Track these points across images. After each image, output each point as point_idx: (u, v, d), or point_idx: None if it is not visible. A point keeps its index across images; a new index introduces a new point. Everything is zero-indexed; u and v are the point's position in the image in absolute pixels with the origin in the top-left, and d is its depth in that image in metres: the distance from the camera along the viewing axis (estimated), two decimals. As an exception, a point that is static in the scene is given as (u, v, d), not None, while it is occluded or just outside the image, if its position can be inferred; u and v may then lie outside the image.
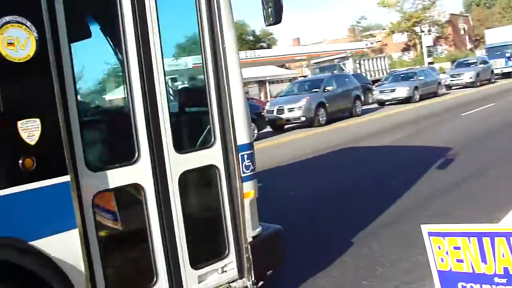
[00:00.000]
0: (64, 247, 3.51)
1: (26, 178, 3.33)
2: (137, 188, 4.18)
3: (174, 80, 5.75)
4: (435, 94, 32.26)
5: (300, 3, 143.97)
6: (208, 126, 4.72)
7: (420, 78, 31.84)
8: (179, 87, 5.73)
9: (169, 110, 4.34)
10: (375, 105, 30.84)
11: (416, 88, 30.44)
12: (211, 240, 4.87)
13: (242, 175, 4.74)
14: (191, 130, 5.24)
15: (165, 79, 4.34)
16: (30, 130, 3.35)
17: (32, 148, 3.36)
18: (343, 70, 38.39)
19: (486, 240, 2.78)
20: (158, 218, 4.21)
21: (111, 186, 3.97)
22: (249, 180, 4.85)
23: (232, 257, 4.76)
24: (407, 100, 29.37)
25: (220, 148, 4.70)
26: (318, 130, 21.46)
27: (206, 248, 4.77)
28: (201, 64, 4.67)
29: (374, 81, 39.33)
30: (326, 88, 24.53)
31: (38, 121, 3.38)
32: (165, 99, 4.31)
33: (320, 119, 23.19)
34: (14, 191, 3.28)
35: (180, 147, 4.47)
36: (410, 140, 14.77)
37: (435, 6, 73.15)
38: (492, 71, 37.64)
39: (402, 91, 30.00)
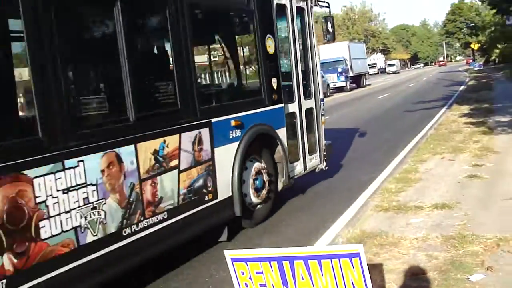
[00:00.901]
0: (281, 134, 8.32)
1: (272, 103, 8.09)
2: (293, 114, 8.97)
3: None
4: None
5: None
6: (310, 88, 9.60)
7: None
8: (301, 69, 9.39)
9: (301, 81, 9.24)
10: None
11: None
12: (313, 142, 9.59)
13: (322, 113, 9.89)
14: (306, 89, 9.50)
15: (303, 65, 9.52)
16: (275, 83, 8.18)
17: (274, 91, 8.16)
18: None
19: (286, 264, 2.90)
20: (299, 127, 9.11)
21: (290, 111, 8.83)
22: (324, 116, 10.08)
23: (318, 153, 9.73)
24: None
25: (314, 99, 9.66)
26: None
27: (312, 146, 9.53)
28: (307, 57, 9.63)
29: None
30: None
31: (275, 80, 8.24)
32: (300, 76, 9.24)
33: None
34: (270, 108, 8.04)
35: (304, 97, 9.31)
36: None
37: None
38: (328, 85, 38.95)
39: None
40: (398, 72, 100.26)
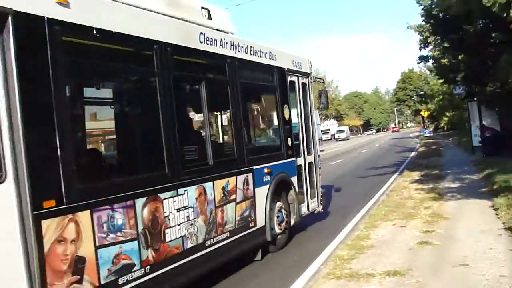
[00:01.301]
0: (294, 181, 10.81)
1: (288, 157, 10.62)
2: (300, 166, 11.26)
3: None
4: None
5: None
6: (310, 146, 11.90)
7: None
8: (305, 130, 11.86)
9: (305, 140, 11.66)
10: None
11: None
12: (313, 189, 11.88)
13: (319, 166, 12.37)
14: (308, 147, 11.85)
15: (306, 128, 11.84)
16: (289, 142, 10.73)
17: (289, 148, 10.69)
18: None
19: None
20: (304, 176, 11.45)
21: (298, 163, 11.17)
22: (320, 169, 12.49)
23: (316, 198, 12.00)
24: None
25: (313, 155, 11.98)
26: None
27: (312, 192, 11.85)
28: (308, 121, 11.97)
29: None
30: None
31: (290, 139, 10.79)
32: (305, 136, 11.72)
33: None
34: (286, 161, 10.55)
35: (307, 153, 11.69)
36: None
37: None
38: None
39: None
40: (348, 139, 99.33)
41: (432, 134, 75.84)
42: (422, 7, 25.23)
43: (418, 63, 41.63)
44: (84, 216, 5.41)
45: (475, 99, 26.82)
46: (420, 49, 34.32)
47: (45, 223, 4.93)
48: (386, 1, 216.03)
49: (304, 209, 11.44)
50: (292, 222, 10.74)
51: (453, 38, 22.84)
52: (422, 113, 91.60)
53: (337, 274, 7.78)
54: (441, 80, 38.17)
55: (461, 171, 20.92)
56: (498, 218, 10.80)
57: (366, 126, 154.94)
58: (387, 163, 29.36)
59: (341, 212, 13.80)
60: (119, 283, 5.83)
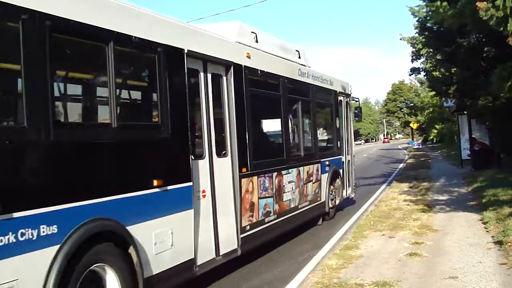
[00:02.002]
0: (341, 172, 15.24)
1: (338, 155, 15.11)
2: (343, 162, 15.52)
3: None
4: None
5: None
6: (349, 148, 16.13)
7: None
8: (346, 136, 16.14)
9: (347, 144, 16.05)
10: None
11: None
12: (350, 179, 16.18)
13: (353, 163, 16.90)
14: (348, 148, 16.07)
15: (350, 134, 16.72)
16: (339, 144, 15.37)
17: (339, 148, 15.26)
18: None
19: None
20: (345, 170, 15.46)
21: (342, 160, 15.46)
22: (354, 165, 17.16)
23: (351, 187, 16.27)
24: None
25: (350, 155, 16.25)
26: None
27: (349, 182, 16.09)
28: (348, 129, 16.41)
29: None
30: None
31: (339, 142, 15.43)
32: (348, 140, 16.22)
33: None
34: (337, 157, 15.09)
35: (347, 153, 15.91)
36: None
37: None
38: None
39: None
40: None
41: (421, 146, 76.22)
42: (416, 19, 25.29)
43: (410, 74, 41.86)
44: (255, 179, 9.45)
45: (465, 112, 26.88)
46: (412, 61, 34.51)
47: (242, 180, 8.91)
48: (379, 13, 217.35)
49: (344, 194, 15.45)
50: (337, 202, 14.68)
51: (446, 51, 22.87)
52: (411, 124, 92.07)
53: (325, 283, 7.71)
54: (433, 93, 38.28)
55: (450, 184, 21.01)
56: (487, 231, 10.80)
57: (355, 136, 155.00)
58: (376, 174, 29.42)
59: (329, 221, 13.77)
60: (265, 221, 9.80)
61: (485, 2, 9.80)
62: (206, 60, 8.18)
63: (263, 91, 10.57)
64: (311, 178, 12.50)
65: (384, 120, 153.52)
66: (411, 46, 33.04)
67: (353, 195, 16.53)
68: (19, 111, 4.88)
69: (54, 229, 4.94)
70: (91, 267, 5.44)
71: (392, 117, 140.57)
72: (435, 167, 32.76)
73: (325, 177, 13.48)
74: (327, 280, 7.87)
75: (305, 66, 13.02)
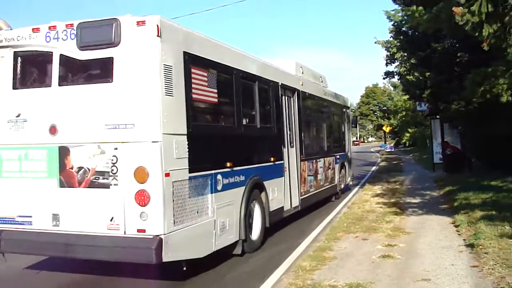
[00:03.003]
0: (346, 163, 20.74)
1: (343, 151, 20.62)
2: (347, 156, 21.44)
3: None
4: None
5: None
6: (349, 147, 21.95)
7: None
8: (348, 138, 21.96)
9: (347, 143, 21.68)
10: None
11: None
12: (350, 171, 22.01)
13: (351, 157, 22.63)
14: (348, 147, 21.80)
15: (349, 137, 22.87)
16: (346, 143, 21.49)
17: (344, 146, 21.04)
18: None
19: None
20: (347, 162, 20.86)
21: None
22: (351, 159, 23.20)
23: (350, 176, 22.15)
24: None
25: (350, 152, 21.97)
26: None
27: (350, 172, 21.88)
28: (349, 133, 22.29)
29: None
30: None
31: (346, 142, 21.64)
32: (349, 142, 22.49)
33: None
34: (343, 153, 20.35)
35: (348, 150, 21.55)
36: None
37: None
38: None
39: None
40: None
41: (393, 150, 76.81)
42: (392, 23, 25.47)
43: (384, 78, 42.05)
44: (305, 163, 14.26)
45: (437, 116, 27.13)
46: (387, 64, 34.64)
47: (302, 163, 13.92)
48: (353, 17, 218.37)
49: (347, 180, 20.73)
50: (342, 186, 19.53)
51: (420, 55, 23.09)
52: (384, 128, 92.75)
53: (299, 284, 7.70)
54: (406, 96, 38.58)
55: (422, 187, 21.19)
56: (459, 234, 10.90)
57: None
58: (349, 176, 29.45)
59: (302, 223, 13.77)
60: (310, 190, 14.71)
61: (461, 8, 9.85)
62: (285, 88, 13.20)
63: (308, 106, 15.59)
64: (330, 166, 17.64)
65: (357, 123, 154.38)
66: (385, 50, 33.24)
67: (351, 182, 22.10)
68: (234, 121, 10.17)
69: (243, 178, 10.11)
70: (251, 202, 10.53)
71: (365, 120, 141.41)
72: (407, 170, 33.01)
73: (337, 167, 18.56)
74: (301, 281, 7.85)
75: (326, 87, 18.26)
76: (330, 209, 16.18)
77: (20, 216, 8.15)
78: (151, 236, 7.17)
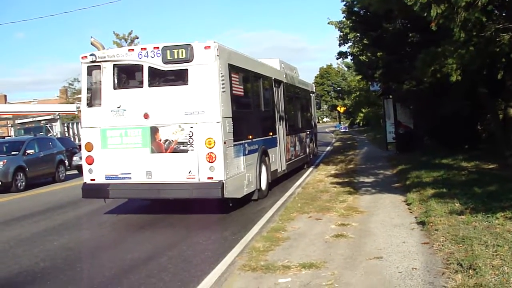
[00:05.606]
0: (314, 137, 25.96)
1: (312, 128, 25.74)
2: (314, 132, 27.24)
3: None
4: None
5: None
6: (315, 125, 27.33)
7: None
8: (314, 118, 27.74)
9: (314, 122, 27.18)
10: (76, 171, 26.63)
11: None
12: (316, 143, 27.30)
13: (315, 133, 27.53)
14: (315, 125, 27.10)
15: (315, 117, 28.62)
16: (313, 122, 27.19)
17: (312, 125, 26.28)
18: (50, 133, 37.36)
19: None
20: (313, 137, 26.02)
21: (314, 131, 26.77)
22: (316, 135, 28.41)
23: (316, 148, 27.52)
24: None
25: (315, 129, 27.17)
26: (16, 196, 19.64)
27: (316, 145, 27.23)
28: (315, 115, 28.10)
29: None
30: (27, 151, 22.56)
31: (313, 122, 27.43)
32: (315, 121, 28.44)
33: (19, 184, 21.16)
34: (312, 129, 25.37)
35: (314, 127, 26.85)
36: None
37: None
38: None
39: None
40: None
41: (347, 130, 77.57)
42: (344, 3, 25.55)
43: (337, 58, 42.51)
44: (288, 137, 18.60)
45: (390, 96, 27.45)
46: (340, 45, 34.86)
47: (287, 137, 18.38)
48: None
49: (315, 151, 25.85)
50: (312, 156, 24.17)
51: (372, 35, 23.25)
52: (338, 108, 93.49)
53: (252, 265, 7.69)
54: (359, 76, 38.89)
55: (375, 166, 21.51)
56: (411, 212, 11.07)
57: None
58: (303, 156, 29.66)
59: (256, 204, 13.80)
60: (291, 158, 19.05)
61: (410, -12, 9.89)
62: (275, 81, 17.37)
63: (289, 94, 19.52)
64: (304, 140, 21.98)
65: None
66: (338, 30, 33.41)
67: (317, 152, 27.90)
68: (252, 106, 14.92)
69: (257, 146, 14.19)
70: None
71: (320, 101, 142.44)
72: (361, 150, 33.44)
73: (308, 140, 23.00)
74: (254, 262, 7.85)
75: (298, 77, 22.68)
76: (285, 189, 16.25)
77: (122, 174, 12.16)
78: (217, 181, 11.41)
